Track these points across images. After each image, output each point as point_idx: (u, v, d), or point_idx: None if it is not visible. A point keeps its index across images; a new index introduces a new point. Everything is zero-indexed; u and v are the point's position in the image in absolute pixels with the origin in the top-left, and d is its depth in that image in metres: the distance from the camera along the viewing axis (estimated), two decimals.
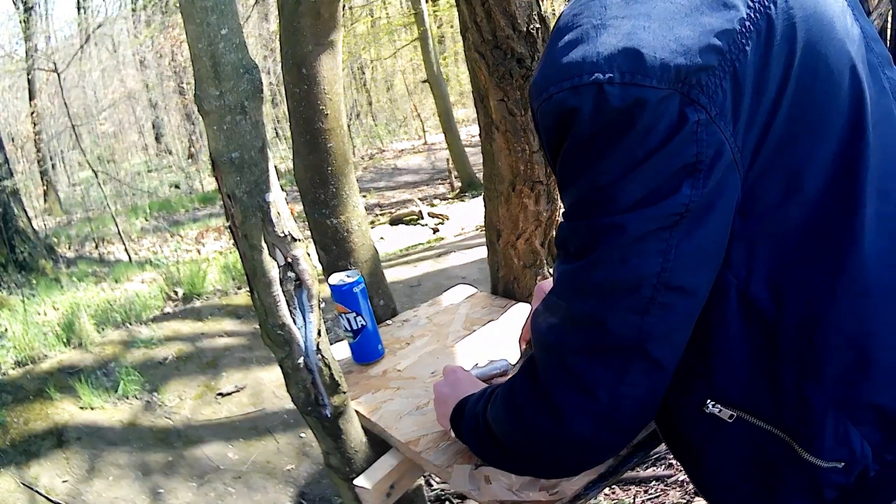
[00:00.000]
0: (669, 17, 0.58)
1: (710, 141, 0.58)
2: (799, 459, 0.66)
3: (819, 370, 0.64)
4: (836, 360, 0.64)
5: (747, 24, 0.59)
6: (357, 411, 1.23)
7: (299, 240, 1.01)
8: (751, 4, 0.59)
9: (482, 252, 1.96)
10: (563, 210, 0.66)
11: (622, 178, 0.59)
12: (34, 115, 13.07)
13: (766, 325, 0.65)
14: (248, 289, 1.05)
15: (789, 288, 0.64)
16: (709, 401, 0.69)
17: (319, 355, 1.07)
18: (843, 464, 0.65)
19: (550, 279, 1.07)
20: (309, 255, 1.05)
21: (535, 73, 0.65)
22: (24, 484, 2.58)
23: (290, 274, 1.01)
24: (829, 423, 0.64)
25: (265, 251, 0.98)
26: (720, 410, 0.69)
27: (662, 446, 1.01)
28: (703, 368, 0.68)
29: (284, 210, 1.00)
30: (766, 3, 0.60)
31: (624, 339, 0.62)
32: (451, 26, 13.80)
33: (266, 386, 3.27)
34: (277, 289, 1.00)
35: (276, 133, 16.29)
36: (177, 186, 14.69)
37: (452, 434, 0.97)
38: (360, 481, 1.13)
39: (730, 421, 0.69)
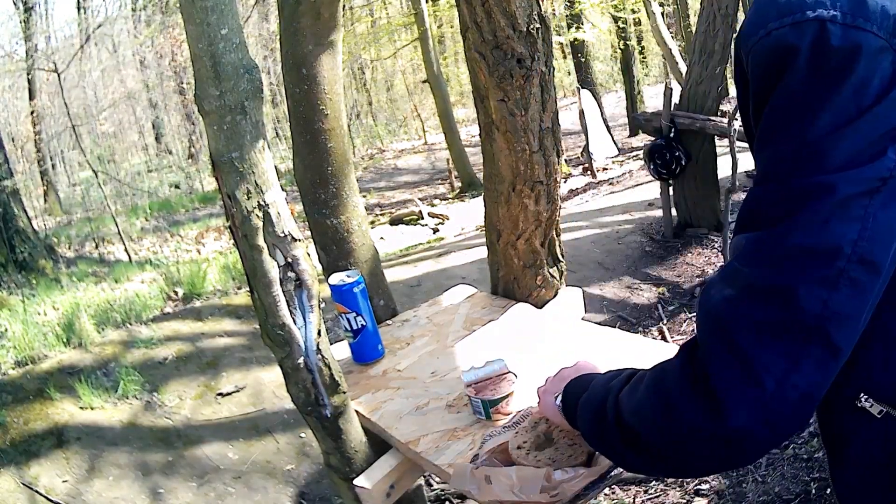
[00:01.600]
0: None
1: None
2: None
3: None
4: None
5: None
6: (357, 411, 1.23)
7: (299, 240, 1.01)
8: None
9: (482, 252, 1.96)
10: (756, 175, 0.63)
11: (834, 133, 0.56)
12: (34, 115, 13.07)
13: None
14: (248, 289, 1.05)
15: None
16: (862, 394, 0.66)
17: (319, 355, 1.07)
18: None
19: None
20: (309, 255, 1.05)
21: (745, 20, 0.62)
22: (24, 484, 2.58)
23: (290, 274, 1.01)
24: None
25: (265, 251, 0.98)
26: (871, 405, 0.66)
27: None
28: (865, 358, 0.65)
29: (284, 210, 1.00)
30: None
31: (808, 316, 0.57)
32: (451, 26, 13.80)
33: (266, 386, 3.27)
34: (277, 289, 1.00)
35: (276, 133, 16.28)
36: (177, 186, 14.68)
37: (561, 416, 0.92)
38: (360, 481, 1.13)
39: (878, 417, 0.66)
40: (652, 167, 4.46)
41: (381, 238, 7.56)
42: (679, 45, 8.87)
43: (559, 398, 0.94)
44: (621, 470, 0.98)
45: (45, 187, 13.08)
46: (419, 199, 9.81)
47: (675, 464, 0.69)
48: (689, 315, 3.50)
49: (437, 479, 2.44)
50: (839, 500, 0.76)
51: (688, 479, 2.24)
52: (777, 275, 0.59)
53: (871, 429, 0.67)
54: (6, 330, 3.97)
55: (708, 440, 0.63)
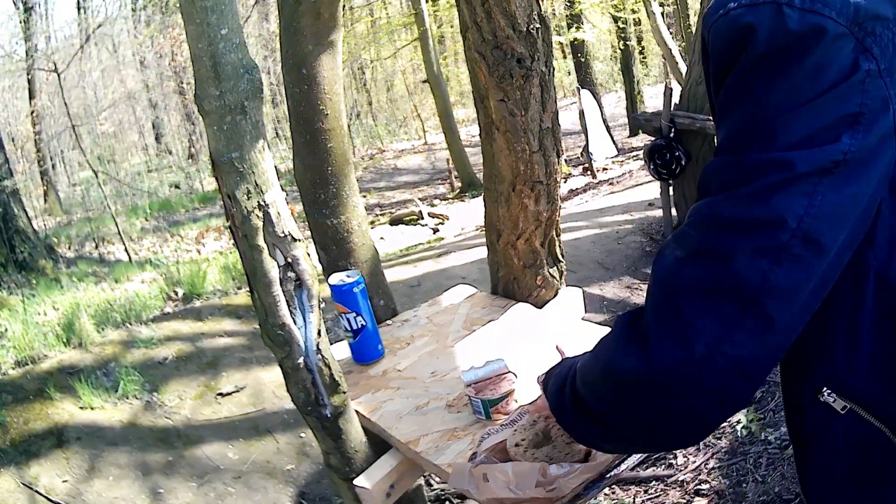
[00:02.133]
0: None
1: (876, 94, 0.57)
2: None
3: None
4: None
5: None
6: (357, 411, 1.23)
7: (299, 240, 1.02)
8: None
9: (482, 252, 1.96)
10: (716, 146, 0.64)
11: (788, 112, 0.57)
12: (34, 115, 13.07)
13: None
14: (248, 289, 1.05)
15: None
16: (825, 388, 0.66)
17: (319, 355, 1.07)
18: None
19: None
20: (309, 255, 1.05)
21: (710, 1, 0.64)
22: (24, 484, 2.58)
23: (290, 274, 1.01)
24: None
25: (265, 251, 0.98)
26: (834, 400, 0.66)
27: None
28: (827, 353, 0.66)
29: (284, 210, 1.00)
30: None
31: (746, 284, 0.58)
32: (451, 26, 13.79)
33: (266, 386, 3.27)
34: (277, 289, 1.00)
35: (276, 133, 16.29)
36: (177, 186, 14.68)
37: (546, 401, 0.90)
38: (360, 481, 1.13)
39: (842, 412, 0.66)
40: (652, 167, 4.45)
41: (381, 238, 7.56)
42: (679, 45, 8.85)
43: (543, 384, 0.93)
44: (621, 470, 0.98)
45: (45, 187, 13.07)
46: (419, 199, 9.81)
47: (615, 428, 0.70)
48: None
49: (437, 479, 2.44)
50: (805, 496, 0.76)
51: (688, 479, 2.24)
52: (722, 240, 0.60)
53: (836, 424, 0.67)
54: (6, 330, 3.97)
55: (641, 386, 0.63)
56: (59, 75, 9.16)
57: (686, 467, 2.31)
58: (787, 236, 0.57)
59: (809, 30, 0.56)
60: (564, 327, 1.48)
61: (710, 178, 0.63)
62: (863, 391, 0.65)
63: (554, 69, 1.43)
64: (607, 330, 0.75)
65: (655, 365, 0.61)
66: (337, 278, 1.37)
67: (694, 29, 4.78)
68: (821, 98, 0.56)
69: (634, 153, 9.60)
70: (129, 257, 8.24)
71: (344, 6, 2.59)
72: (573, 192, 7.97)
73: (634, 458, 1.01)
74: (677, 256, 0.64)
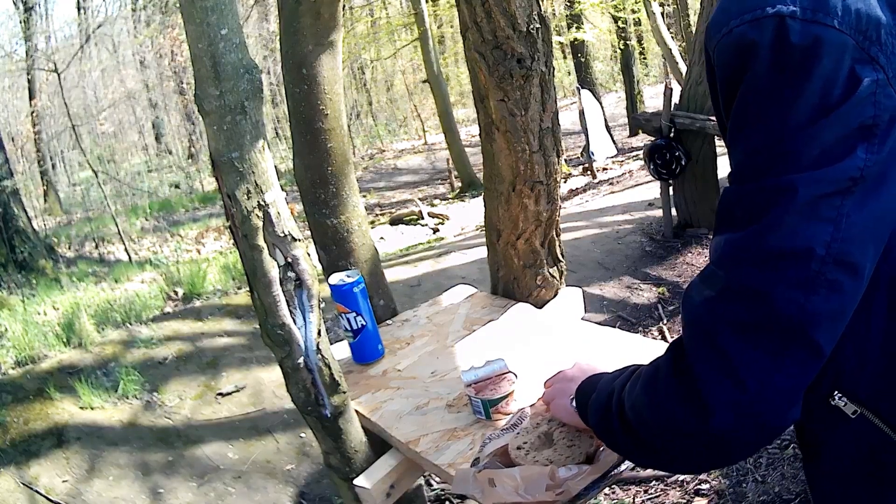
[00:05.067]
0: None
1: (887, 104, 0.55)
2: None
3: None
4: None
5: None
6: (357, 411, 1.23)
7: (299, 240, 1.01)
8: None
9: (482, 252, 1.96)
10: (730, 173, 0.62)
11: (801, 131, 0.56)
12: (34, 115, 13.08)
13: None
14: (248, 289, 1.05)
15: None
16: (836, 392, 0.66)
17: (319, 355, 1.07)
18: None
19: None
20: (309, 255, 1.05)
21: (711, 16, 0.62)
22: (24, 484, 2.58)
23: (290, 274, 1.01)
24: None
25: (265, 251, 0.98)
26: (845, 404, 0.66)
27: None
28: (839, 357, 0.64)
29: (284, 210, 1.00)
30: None
31: (785, 319, 0.57)
32: (451, 26, 13.80)
33: (266, 386, 3.27)
34: (277, 289, 1.00)
35: (276, 133, 16.29)
36: (177, 186, 14.69)
37: (576, 414, 0.93)
38: (360, 481, 1.13)
39: (853, 417, 0.65)
40: (652, 167, 4.45)
41: (381, 238, 7.57)
42: (679, 45, 8.86)
43: (573, 400, 0.95)
44: (621, 469, 0.98)
45: (45, 187, 13.08)
46: (419, 199, 9.81)
47: (670, 459, 0.71)
48: None
49: (437, 479, 2.44)
50: (814, 498, 0.76)
51: (687, 479, 2.24)
52: (752, 278, 0.58)
53: (846, 430, 0.67)
54: (6, 330, 3.97)
55: (695, 439, 0.64)
56: (59, 75, 9.16)
57: None
58: (817, 265, 0.56)
59: (814, 41, 0.54)
60: (564, 327, 1.47)
61: (729, 208, 0.61)
62: (874, 396, 0.65)
63: (554, 69, 1.43)
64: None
65: (714, 425, 0.61)
66: (337, 278, 1.37)
67: (694, 29, 4.77)
68: (833, 112, 0.55)
69: (634, 153, 9.60)
70: (129, 257, 8.24)
71: (344, 6, 2.58)
72: (573, 192, 7.97)
73: None
74: (707, 297, 0.62)
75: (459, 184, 10.34)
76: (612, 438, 0.79)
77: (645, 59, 16.79)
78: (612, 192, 6.95)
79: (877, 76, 0.55)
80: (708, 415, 0.61)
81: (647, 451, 0.73)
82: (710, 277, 0.63)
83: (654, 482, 2.29)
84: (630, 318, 3.60)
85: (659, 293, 3.81)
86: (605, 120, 10.42)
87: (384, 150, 16.00)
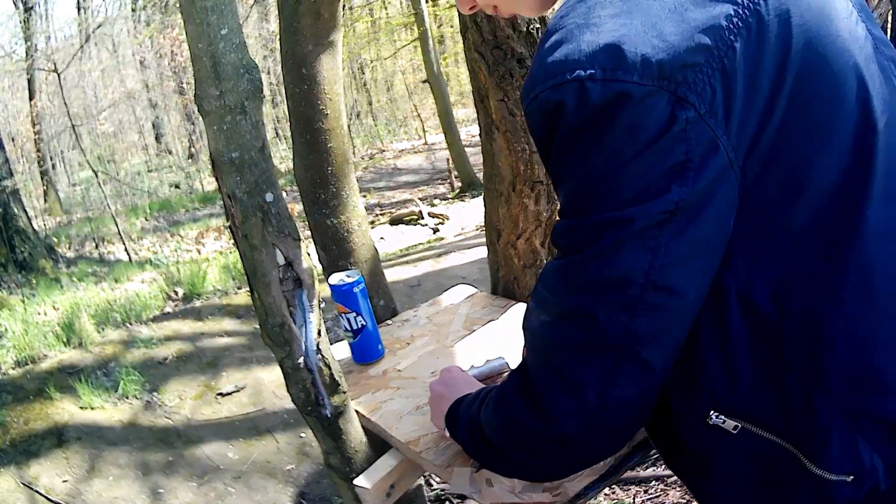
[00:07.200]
0: (653, 15, 0.58)
1: (700, 139, 0.57)
2: (806, 472, 0.64)
3: (824, 379, 0.62)
4: (841, 369, 0.62)
5: (735, 20, 0.58)
6: (357, 411, 1.23)
7: (299, 240, 1.02)
8: (738, 1, 0.58)
9: (482, 252, 1.96)
10: (558, 209, 0.67)
11: (611, 175, 0.59)
12: (34, 115, 13.08)
13: (770, 332, 0.63)
14: (248, 289, 1.05)
15: (792, 293, 0.62)
16: (712, 412, 0.67)
17: (319, 355, 1.07)
18: (851, 477, 0.62)
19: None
20: (309, 255, 1.05)
21: (524, 83, 0.65)
22: (24, 484, 2.58)
23: (290, 274, 1.01)
24: (835, 434, 0.62)
25: (265, 251, 0.98)
26: (724, 421, 0.67)
27: None
28: (706, 378, 0.67)
29: (284, 210, 1.00)
30: (756, 0, 0.59)
31: (613, 338, 0.62)
32: (451, 26, 13.79)
33: (266, 386, 3.27)
34: (277, 289, 1.00)
35: (276, 133, 16.29)
36: (177, 186, 14.69)
37: (447, 434, 0.97)
38: (360, 481, 1.13)
39: (734, 432, 0.67)
40: None
41: (381, 238, 7.57)
42: None
43: (443, 422, 0.98)
44: (622, 470, 0.98)
45: (45, 187, 13.08)
46: (419, 199, 9.81)
47: (531, 467, 0.77)
48: None
49: (437, 479, 2.44)
50: None
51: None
52: (580, 302, 0.63)
53: (732, 445, 0.68)
54: (6, 330, 3.98)
55: (551, 445, 0.69)
56: (58, 75, 9.16)
57: None
58: (637, 290, 0.60)
59: (614, 97, 0.57)
60: None
61: (558, 239, 0.66)
62: (752, 408, 0.66)
63: None
64: None
65: (559, 429, 0.66)
66: (337, 278, 1.37)
67: None
68: (643, 155, 0.57)
69: None
70: (129, 257, 8.24)
71: (344, 6, 2.59)
72: None
73: (635, 459, 1.02)
74: (543, 321, 0.67)
75: (459, 184, 10.34)
76: (479, 455, 0.85)
77: None
78: None
79: (686, 115, 0.57)
80: (554, 424, 0.66)
81: (509, 463, 0.79)
82: (543, 303, 0.68)
83: (654, 482, 2.29)
84: None
85: None
86: None
87: (384, 150, 16.00)
